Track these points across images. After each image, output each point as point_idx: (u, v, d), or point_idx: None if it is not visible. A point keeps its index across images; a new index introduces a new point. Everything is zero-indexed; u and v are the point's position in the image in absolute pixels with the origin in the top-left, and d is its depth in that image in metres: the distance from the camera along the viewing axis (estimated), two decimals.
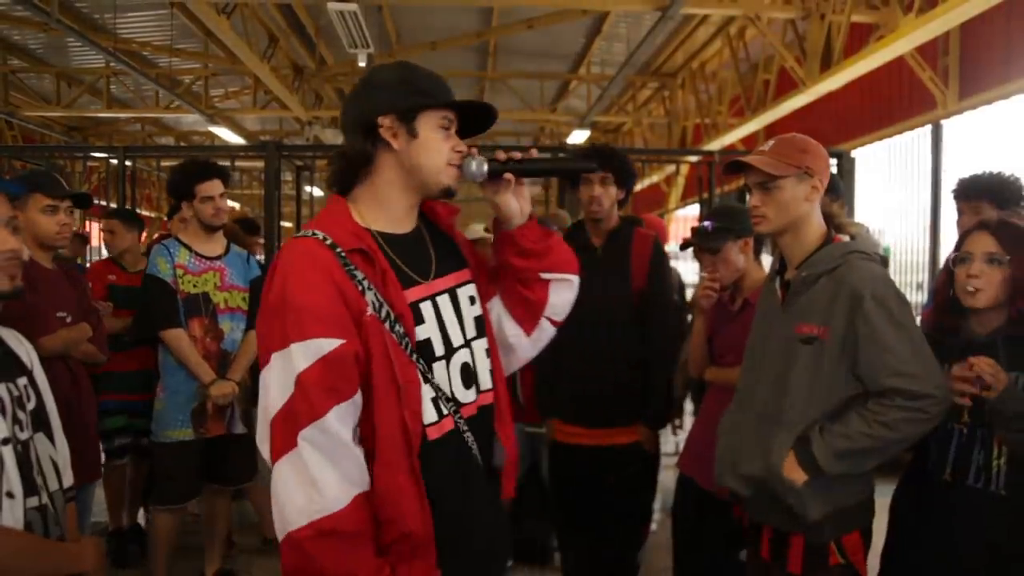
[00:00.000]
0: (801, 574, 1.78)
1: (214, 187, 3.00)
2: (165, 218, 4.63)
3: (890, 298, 1.73)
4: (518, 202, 1.46)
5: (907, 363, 1.69)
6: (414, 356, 1.31)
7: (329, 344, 1.22)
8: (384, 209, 1.38)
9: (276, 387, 1.24)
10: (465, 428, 1.37)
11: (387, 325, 1.28)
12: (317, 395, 1.21)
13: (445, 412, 1.35)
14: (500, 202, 1.44)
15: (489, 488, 1.44)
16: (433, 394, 1.33)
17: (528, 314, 1.53)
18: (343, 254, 1.27)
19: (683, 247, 2.72)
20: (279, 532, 1.24)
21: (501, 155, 1.41)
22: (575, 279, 1.58)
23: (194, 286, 2.98)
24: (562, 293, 1.55)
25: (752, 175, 1.82)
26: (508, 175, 1.41)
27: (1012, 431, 1.71)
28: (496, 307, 1.54)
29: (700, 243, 2.48)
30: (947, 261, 1.96)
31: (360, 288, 1.27)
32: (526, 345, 1.56)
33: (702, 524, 2.42)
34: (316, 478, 1.20)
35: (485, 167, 1.38)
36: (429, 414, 1.32)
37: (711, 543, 2.38)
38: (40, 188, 2.58)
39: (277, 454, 1.23)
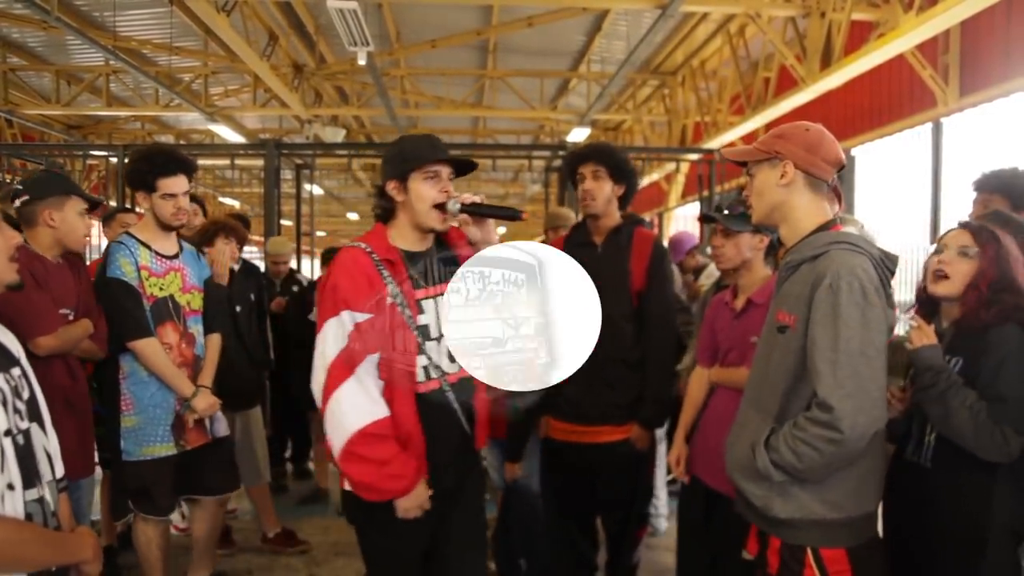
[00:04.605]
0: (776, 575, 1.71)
1: (178, 184, 2.70)
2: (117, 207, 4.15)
3: (846, 290, 1.55)
4: (480, 232, 2.01)
5: (825, 363, 1.55)
6: (416, 333, 1.91)
7: (361, 316, 1.85)
8: (403, 235, 2.00)
9: (332, 340, 1.84)
10: (447, 388, 1.96)
11: (400, 309, 1.90)
12: (362, 344, 1.84)
13: (432, 376, 1.95)
14: (467, 231, 2.01)
15: (461, 429, 2.01)
16: (426, 362, 1.93)
17: None
18: (377, 259, 1.91)
19: (705, 220, 2.78)
20: (337, 448, 1.82)
21: (466, 198, 1.94)
22: None
23: (160, 288, 2.72)
24: None
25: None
26: (463, 214, 1.96)
27: (918, 390, 1.81)
28: None
29: (721, 221, 2.44)
30: (926, 262, 1.99)
31: (386, 282, 1.90)
32: None
33: (708, 523, 2.42)
34: (370, 391, 1.85)
35: (458, 206, 1.94)
36: (420, 375, 1.92)
37: (716, 542, 2.38)
38: (77, 192, 2.61)
39: (336, 384, 1.82)
